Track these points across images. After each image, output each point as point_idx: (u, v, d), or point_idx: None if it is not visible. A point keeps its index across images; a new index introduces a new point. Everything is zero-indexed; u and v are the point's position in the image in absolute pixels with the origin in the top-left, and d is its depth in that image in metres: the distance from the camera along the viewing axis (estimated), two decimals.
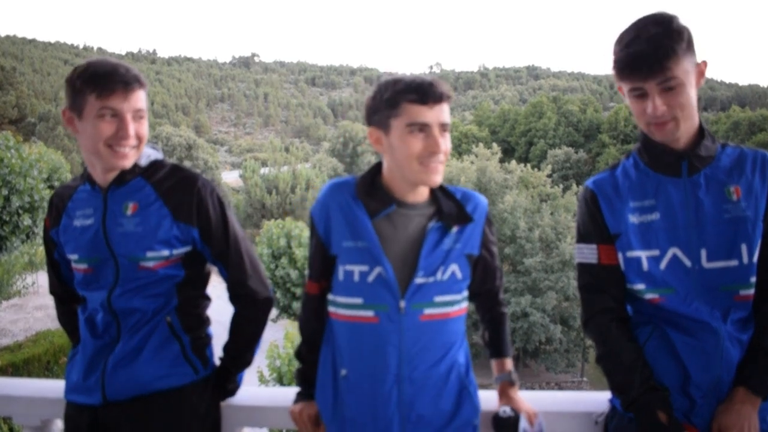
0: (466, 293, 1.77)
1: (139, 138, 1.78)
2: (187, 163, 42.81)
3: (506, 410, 1.81)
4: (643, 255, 1.67)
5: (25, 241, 17.30)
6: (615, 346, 1.70)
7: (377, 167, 1.77)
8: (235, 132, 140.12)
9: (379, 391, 1.67)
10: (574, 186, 30.79)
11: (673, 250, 1.63)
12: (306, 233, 19.87)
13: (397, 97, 1.62)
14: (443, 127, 1.64)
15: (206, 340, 1.95)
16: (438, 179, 1.67)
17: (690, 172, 1.65)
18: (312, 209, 1.78)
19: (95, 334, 1.86)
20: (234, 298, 1.95)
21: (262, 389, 2.28)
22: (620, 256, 1.71)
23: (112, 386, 1.81)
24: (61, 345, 15.71)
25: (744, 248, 1.60)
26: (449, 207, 1.72)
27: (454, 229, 1.72)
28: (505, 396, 1.87)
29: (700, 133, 1.67)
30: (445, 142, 1.64)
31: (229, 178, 55.51)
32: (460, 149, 45.93)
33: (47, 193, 16.56)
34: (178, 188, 1.84)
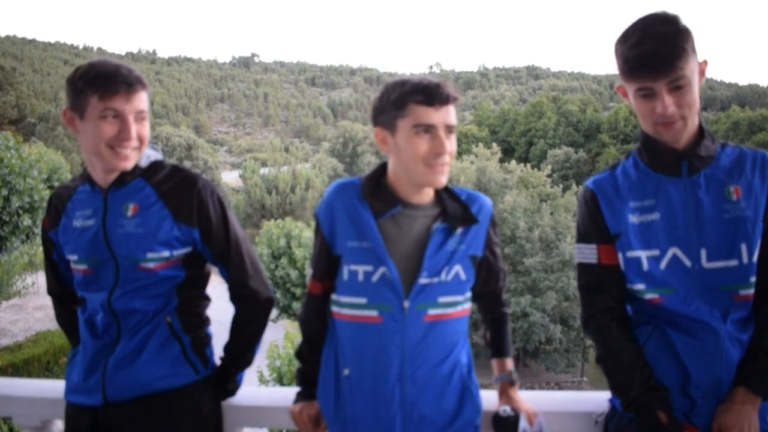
0: (469, 294, 1.78)
1: (140, 139, 1.78)
2: (186, 164, 42.86)
3: (506, 410, 1.81)
4: (643, 255, 1.67)
5: (25, 241, 17.30)
6: (615, 346, 1.70)
7: (382, 168, 1.78)
8: (235, 132, 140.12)
9: (381, 391, 1.67)
10: (574, 186, 30.77)
11: (673, 250, 1.63)
12: (306, 233, 19.88)
13: (405, 98, 1.63)
14: (449, 128, 1.65)
15: (206, 339, 1.95)
16: (443, 180, 1.68)
17: (690, 172, 1.65)
18: (317, 209, 1.78)
19: (95, 335, 1.86)
20: (235, 298, 1.95)
21: (262, 389, 2.28)
22: (620, 256, 1.71)
23: (112, 387, 1.82)
24: (61, 345, 15.71)
25: (744, 248, 1.60)
26: (454, 208, 1.73)
27: (459, 230, 1.72)
28: (505, 396, 1.87)
29: (700, 132, 1.67)
30: (451, 144, 1.65)
31: (229, 178, 55.51)
32: (459, 149, 45.76)
33: (47, 194, 16.56)
34: (178, 189, 1.84)
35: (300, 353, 1.89)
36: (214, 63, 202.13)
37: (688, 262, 1.62)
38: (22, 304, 23.38)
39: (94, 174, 1.85)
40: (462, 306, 1.74)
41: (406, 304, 1.66)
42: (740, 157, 1.67)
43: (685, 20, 1.57)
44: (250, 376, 2.16)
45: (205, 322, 1.96)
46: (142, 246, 1.79)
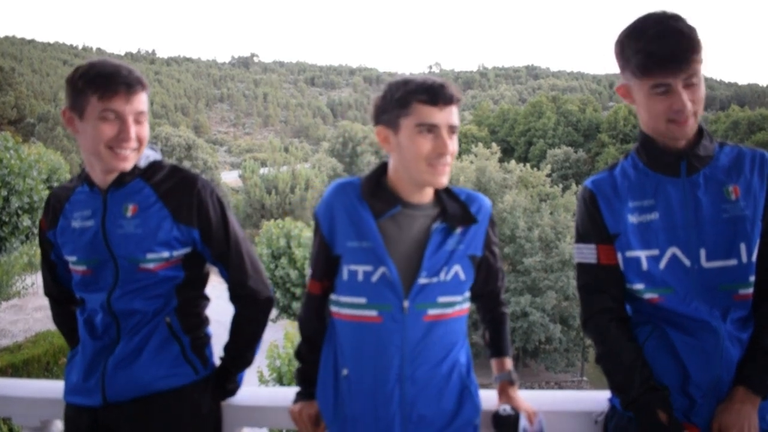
0: (468, 294, 1.78)
1: (139, 140, 1.77)
2: (186, 164, 42.85)
3: (506, 409, 1.81)
4: (642, 255, 1.67)
5: (25, 241, 17.29)
6: (614, 346, 1.70)
7: (382, 168, 1.78)
8: (235, 132, 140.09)
9: (380, 391, 1.67)
10: (574, 185, 30.79)
11: (672, 250, 1.63)
12: (305, 233, 19.88)
13: (408, 97, 1.63)
14: (451, 129, 1.65)
15: (205, 339, 1.95)
16: (444, 180, 1.68)
17: (689, 172, 1.65)
18: (317, 209, 1.78)
19: (94, 336, 1.86)
20: (234, 298, 1.95)
21: (262, 389, 2.29)
22: (619, 256, 1.71)
23: (112, 387, 1.82)
24: (60, 346, 15.70)
25: (743, 247, 1.60)
26: (454, 208, 1.73)
27: (458, 230, 1.72)
28: (504, 395, 1.88)
29: (699, 132, 1.67)
30: (453, 144, 1.66)
31: (229, 178, 55.53)
32: (459, 149, 45.57)
33: (46, 194, 16.47)
34: (177, 189, 1.84)
35: (299, 353, 1.89)
36: (214, 63, 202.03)
37: (687, 262, 1.62)
38: (21, 305, 23.39)
39: (93, 174, 1.85)
40: (461, 306, 1.75)
41: (406, 304, 1.66)
42: (739, 157, 1.67)
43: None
44: (249, 376, 2.16)
45: (205, 322, 1.96)
46: (142, 246, 1.79)
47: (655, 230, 1.65)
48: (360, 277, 1.68)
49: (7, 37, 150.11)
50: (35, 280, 22.98)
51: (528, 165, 32.85)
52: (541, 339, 22.23)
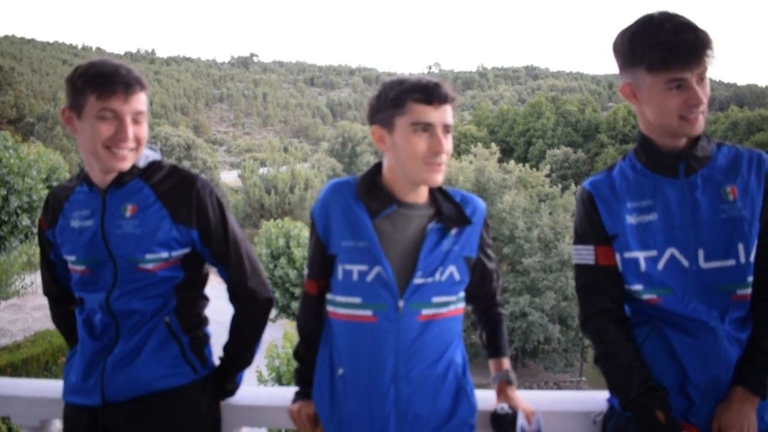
0: (462, 294, 1.78)
1: (137, 140, 1.77)
2: (185, 163, 42.84)
3: (504, 407, 1.82)
4: (640, 256, 1.67)
5: (24, 241, 17.28)
6: (613, 347, 1.71)
7: (377, 167, 1.78)
8: (234, 132, 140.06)
9: (375, 390, 1.67)
10: (573, 186, 30.85)
11: (670, 251, 1.64)
12: (305, 233, 19.89)
13: (403, 96, 1.63)
14: (446, 128, 1.66)
15: (204, 339, 1.95)
16: (439, 179, 1.68)
17: (687, 173, 1.65)
18: (312, 209, 1.79)
19: (93, 336, 1.86)
20: (234, 299, 1.95)
21: (261, 389, 2.29)
22: (618, 256, 1.71)
23: (111, 387, 1.81)
24: (59, 345, 15.69)
25: (741, 248, 1.61)
26: (449, 209, 1.73)
27: (453, 231, 1.73)
28: (503, 395, 1.88)
29: None
30: (448, 143, 1.66)
31: (228, 178, 55.55)
32: (458, 149, 45.87)
33: (46, 193, 16.52)
34: (176, 189, 1.83)
35: (298, 353, 1.89)
36: (213, 63, 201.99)
37: (685, 263, 1.63)
38: (20, 304, 23.37)
39: (92, 174, 1.85)
40: (455, 306, 1.75)
41: (401, 303, 1.66)
42: (736, 157, 1.67)
43: None
44: (248, 375, 2.16)
45: (204, 322, 1.96)
46: (141, 247, 1.79)
47: (653, 231, 1.65)
48: (355, 276, 1.68)
49: (6, 37, 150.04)
50: (34, 279, 22.97)
51: (527, 165, 32.92)
52: (540, 339, 22.25)
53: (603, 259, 1.72)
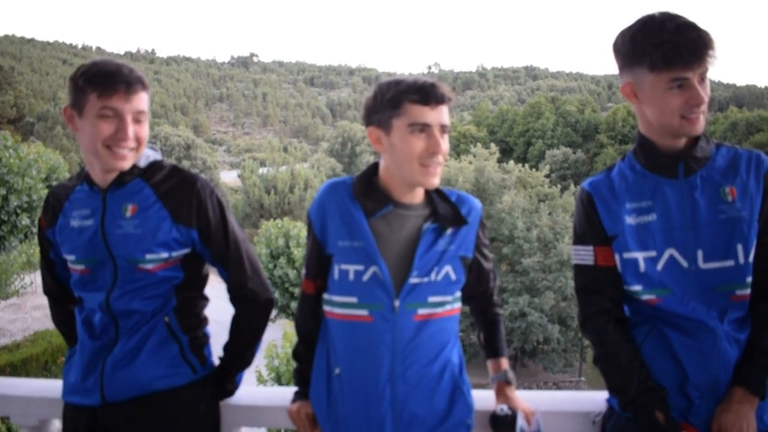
0: (458, 294, 1.78)
1: (138, 140, 1.77)
2: (185, 163, 42.83)
3: (503, 408, 1.82)
4: (640, 256, 1.67)
5: (24, 240, 17.27)
6: (612, 347, 1.71)
7: (374, 167, 1.78)
8: (234, 132, 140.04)
9: (372, 390, 1.67)
10: (572, 186, 30.80)
11: (669, 251, 1.64)
12: (304, 233, 19.87)
13: (400, 97, 1.63)
14: (443, 128, 1.66)
15: (204, 339, 1.95)
16: (436, 181, 1.68)
17: (686, 174, 1.65)
18: (309, 209, 1.79)
19: (93, 335, 1.86)
20: (234, 299, 1.95)
21: (261, 389, 2.29)
22: (617, 257, 1.71)
23: (110, 387, 1.81)
24: (59, 345, 15.67)
25: (740, 248, 1.61)
26: (444, 209, 1.73)
27: (449, 231, 1.73)
28: (502, 395, 1.87)
29: None
30: (445, 144, 1.66)
31: (228, 177, 55.53)
32: (458, 149, 45.88)
33: (45, 193, 16.51)
34: (177, 190, 1.83)
35: (296, 353, 1.89)
36: (213, 63, 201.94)
37: (684, 263, 1.63)
38: (20, 304, 23.34)
39: (93, 173, 1.85)
40: (451, 305, 1.75)
41: (397, 303, 1.66)
42: (735, 158, 1.67)
43: None
44: (248, 375, 2.16)
45: (203, 322, 1.96)
46: (141, 247, 1.79)
47: (652, 232, 1.66)
48: (351, 276, 1.69)
49: (6, 36, 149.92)
50: (34, 279, 22.97)
51: (527, 165, 32.88)
52: (540, 339, 22.25)
53: (602, 259, 1.73)
